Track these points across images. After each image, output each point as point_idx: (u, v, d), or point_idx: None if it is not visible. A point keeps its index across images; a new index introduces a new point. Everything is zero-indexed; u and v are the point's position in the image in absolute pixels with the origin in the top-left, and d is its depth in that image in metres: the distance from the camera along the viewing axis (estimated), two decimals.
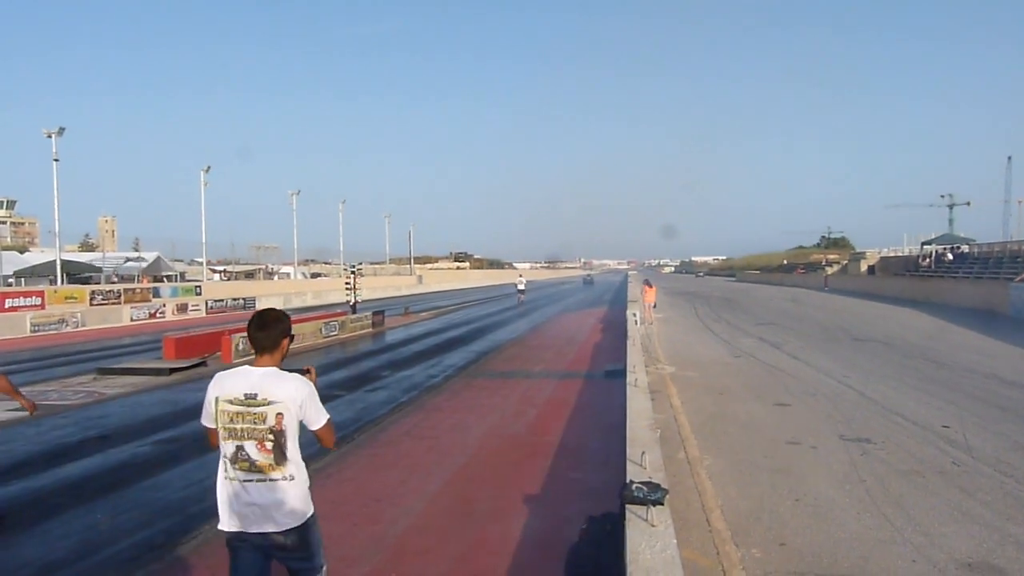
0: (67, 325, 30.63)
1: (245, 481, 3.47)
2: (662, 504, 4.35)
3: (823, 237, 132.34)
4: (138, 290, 41.18)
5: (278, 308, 4.15)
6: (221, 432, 3.52)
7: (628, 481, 4.66)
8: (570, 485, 7.55)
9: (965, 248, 54.93)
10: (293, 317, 21.34)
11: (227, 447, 3.51)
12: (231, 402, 3.51)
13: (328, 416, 3.65)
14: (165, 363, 17.01)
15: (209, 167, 51.02)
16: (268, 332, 3.74)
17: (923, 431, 10.20)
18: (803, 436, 10.02)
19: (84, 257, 58.16)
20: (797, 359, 18.12)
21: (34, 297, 32.43)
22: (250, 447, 3.46)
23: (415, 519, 6.58)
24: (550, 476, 7.86)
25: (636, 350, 13.74)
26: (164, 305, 38.63)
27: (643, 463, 5.23)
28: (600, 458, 8.49)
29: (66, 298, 34.17)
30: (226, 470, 3.52)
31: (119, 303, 36.56)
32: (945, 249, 55.99)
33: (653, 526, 4.09)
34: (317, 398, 3.64)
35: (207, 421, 3.60)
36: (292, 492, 3.51)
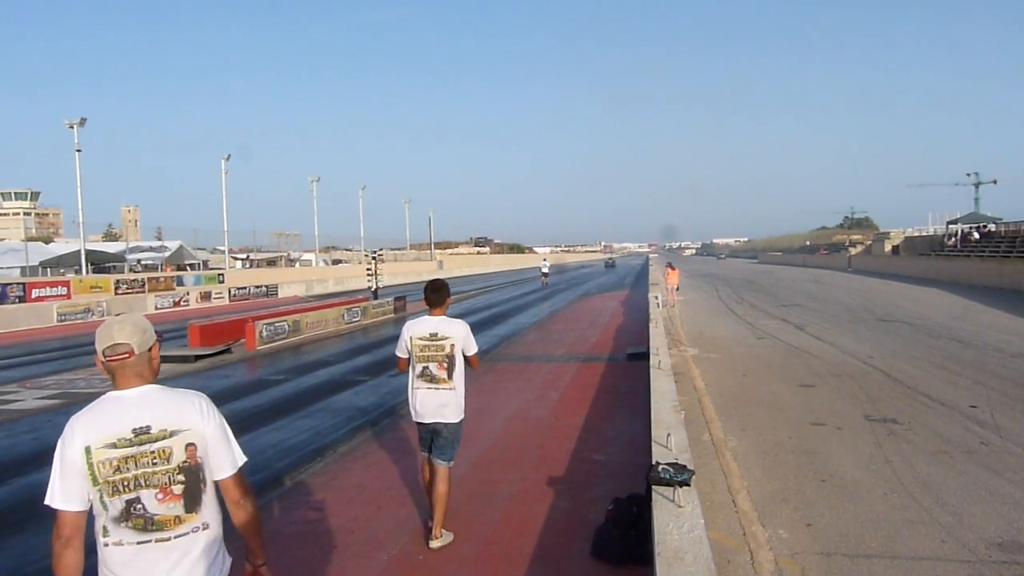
0: (93, 314, 30.98)
1: (428, 389, 5.53)
2: (689, 485, 4.34)
3: (846, 217, 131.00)
4: (162, 279, 41.52)
5: (441, 278, 5.96)
6: (414, 359, 5.54)
7: (655, 462, 4.65)
8: (594, 467, 7.56)
9: (992, 227, 54.17)
10: (314, 304, 21.60)
11: (418, 367, 5.54)
12: (421, 338, 5.54)
13: (476, 348, 5.69)
14: (191, 350, 17.20)
15: (230, 155, 51.25)
16: (439, 294, 5.67)
17: (950, 411, 10.11)
18: (828, 417, 9.97)
19: (108, 247, 58.72)
20: (821, 340, 18.00)
21: (60, 287, 32.79)
22: (433, 367, 5.50)
23: None
24: (574, 458, 7.87)
25: (659, 332, 13.69)
26: (188, 293, 38.97)
27: (668, 445, 5.22)
28: (624, 440, 8.49)
29: (91, 288, 34.54)
30: (414, 381, 5.57)
31: (144, 292, 36.91)
32: (971, 228, 55.28)
33: (680, 507, 4.08)
34: (472, 337, 5.64)
35: (401, 352, 5.68)
36: (456, 397, 5.54)
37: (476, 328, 21.58)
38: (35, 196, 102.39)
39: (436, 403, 5.48)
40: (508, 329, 22.23)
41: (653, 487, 4.41)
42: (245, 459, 2.71)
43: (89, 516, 2.51)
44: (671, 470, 4.44)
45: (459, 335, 5.55)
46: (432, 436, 5.57)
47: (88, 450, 2.45)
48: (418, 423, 5.62)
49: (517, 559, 5.30)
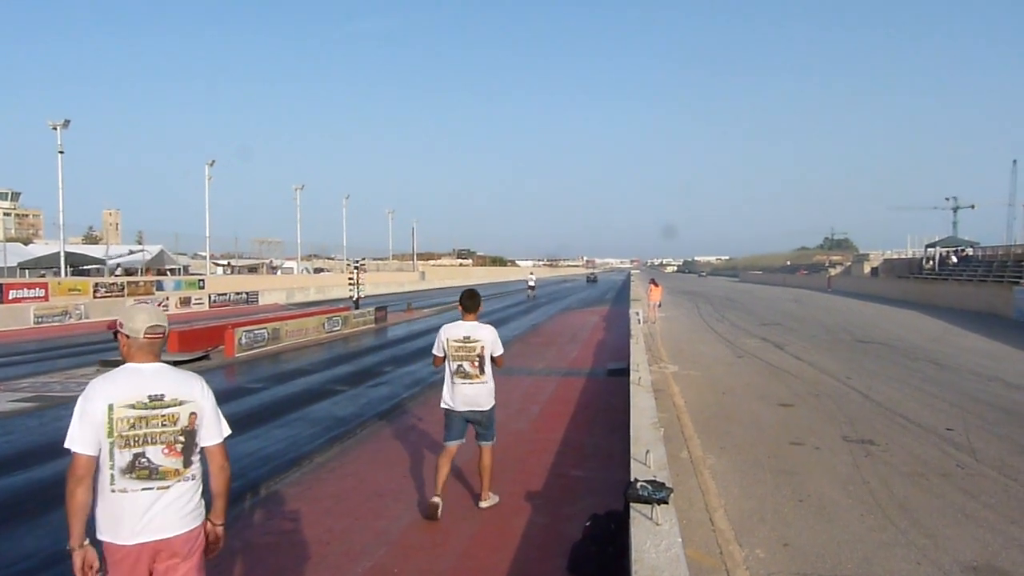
0: (70, 317, 30.67)
1: (463, 383, 6.44)
2: (667, 503, 4.32)
3: (826, 238, 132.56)
4: (141, 283, 41.19)
5: (475, 288, 7.04)
6: (449, 357, 6.46)
7: (633, 479, 4.64)
8: (573, 483, 7.53)
9: (969, 251, 54.86)
10: (295, 312, 21.57)
11: (454, 365, 6.46)
12: (456, 340, 6.47)
13: (502, 350, 6.63)
14: (169, 356, 17.02)
15: (213, 161, 51.02)
16: (474, 300, 6.71)
17: (927, 433, 10.18)
18: (806, 437, 10.01)
19: (88, 250, 58.19)
20: (800, 360, 18.10)
21: (38, 289, 32.43)
22: (466, 365, 6.42)
23: (418, 515, 6.56)
24: (553, 473, 7.84)
25: (639, 348, 13.71)
26: (167, 298, 38.62)
27: (647, 462, 5.21)
28: (603, 456, 8.48)
29: (70, 290, 34.19)
30: (451, 377, 6.49)
31: (122, 295, 36.56)
32: (949, 252, 55.92)
33: (658, 525, 4.07)
34: (499, 341, 6.60)
35: (438, 351, 6.56)
36: (487, 389, 6.52)
37: None
38: (15, 196, 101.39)
39: (471, 394, 6.47)
40: None
41: (631, 504, 4.39)
42: (230, 431, 3.39)
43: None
44: (649, 487, 4.43)
45: (488, 339, 6.53)
46: (465, 424, 6.57)
47: (111, 407, 3.03)
48: (449, 411, 6.54)
49: (493, 574, 5.27)
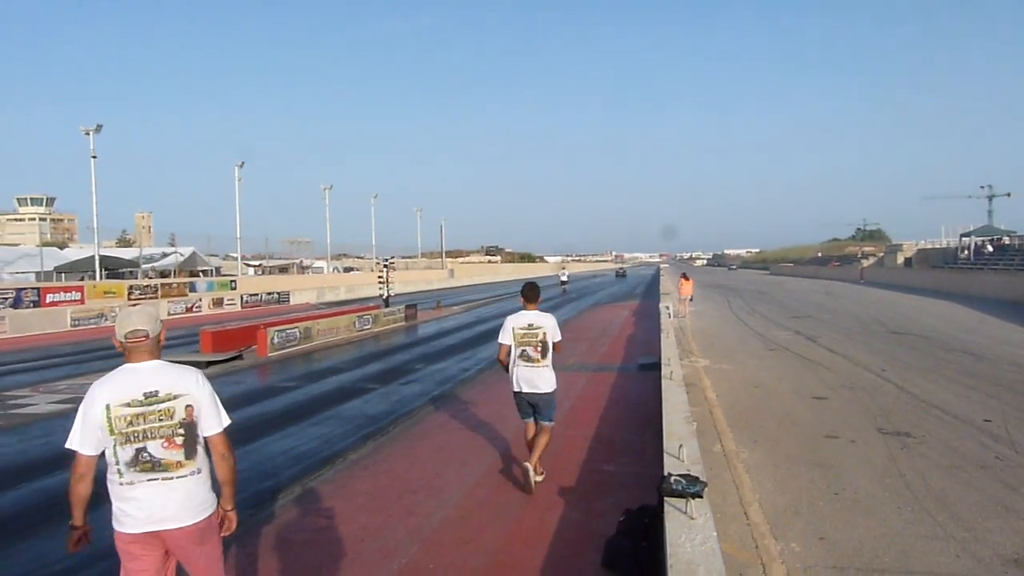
0: (106, 319, 31.14)
1: (526, 366, 7.01)
2: (701, 497, 4.31)
3: (858, 229, 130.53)
4: (175, 285, 41.73)
5: (534, 281, 7.54)
6: (515, 344, 7.03)
7: (667, 474, 4.62)
8: (605, 478, 7.52)
9: (1006, 240, 53.97)
10: (326, 311, 21.68)
11: (518, 350, 7.02)
12: (521, 328, 7.05)
13: (560, 337, 7.20)
14: (202, 356, 17.25)
15: (243, 163, 51.57)
16: (535, 291, 7.25)
17: (964, 425, 10.03)
18: (841, 430, 9.90)
19: (122, 252, 59.03)
20: (833, 352, 17.90)
21: (74, 292, 33.00)
22: (530, 350, 6.99)
23: (451, 511, 6.59)
24: (585, 469, 7.83)
25: (670, 343, 13.65)
26: (200, 299, 39.13)
27: (680, 456, 5.19)
28: (635, 451, 8.45)
29: (105, 293, 34.74)
30: (516, 361, 7.05)
31: (156, 297, 37.08)
32: (985, 241, 55.03)
33: (692, 519, 4.05)
34: (558, 328, 7.18)
35: (505, 339, 7.11)
36: (548, 373, 7.05)
37: (485, 338, 21.56)
38: (50, 202, 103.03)
39: (534, 377, 7.01)
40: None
41: (665, 498, 4.38)
42: (230, 421, 3.49)
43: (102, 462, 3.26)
44: (683, 481, 4.41)
45: (549, 326, 7.12)
46: (531, 404, 7.14)
47: (108, 407, 3.19)
48: (517, 392, 7.14)
49: (527, 570, 5.28)
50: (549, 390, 7.06)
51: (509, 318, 7.19)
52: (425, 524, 6.29)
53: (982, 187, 74.02)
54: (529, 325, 7.07)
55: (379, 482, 7.62)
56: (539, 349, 7.02)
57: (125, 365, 3.33)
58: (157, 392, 3.26)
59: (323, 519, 6.50)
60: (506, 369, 7.26)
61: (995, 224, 63.43)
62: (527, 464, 7.00)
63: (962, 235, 58.47)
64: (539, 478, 7.15)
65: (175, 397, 3.28)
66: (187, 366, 3.51)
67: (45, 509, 6.99)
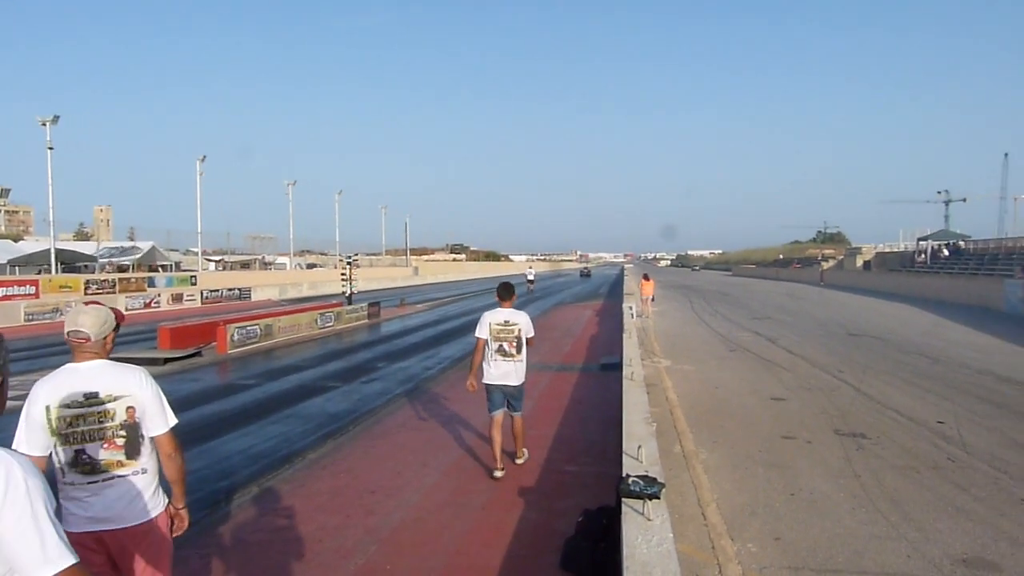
0: (62, 314, 30.46)
1: (502, 360, 7.56)
2: (659, 498, 4.33)
3: (819, 232, 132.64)
4: (133, 280, 41.03)
5: (509, 281, 7.96)
6: (491, 338, 7.54)
7: (625, 475, 4.64)
8: (566, 478, 7.54)
9: (961, 244, 55.00)
10: (288, 308, 21.37)
11: (495, 344, 7.55)
12: (498, 324, 7.53)
13: (533, 333, 7.83)
14: (160, 353, 16.98)
15: (205, 157, 50.84)
16: (511, 291, 7.77)
17: (918, 427, 10.22)
18: (798, 431, 10.03)
19: (79, 246, 57.90)
20: (792, 353, 18.14)
21: (28, 286, 32.27)
22: (506, 345, 7.53)
23: (410, 511, 6.57)
24: (546, 468, 7.85)
25: (632, 343, 13.72)
26: (159, 295, 38.49)
27: (639, 457, 5.21)
28: (595, 451, 8.49)
29: (61, 287, 34.04)
30: (492, 355, 7.56)
31: (114, 292, 36.41)
32: (941, 245, 56.08)
33: (649, 520, 4.07)
34: (531, 325, 7.78)
35: (482, 334, 7.56)
36: (522, 367, 7.65)
37: (449, 336, 21.51)
38: (5, 193, 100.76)
39: (509, 370, 7.57)
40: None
41: (623, 500, 4.40)
42: (176, 421, 3.42)
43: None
44: (641, 483, 4.43)
45: (524, 323, 7.69)
46: (503, 395, 7.65)
47: (48, 408, 3.13)
48: (489, 385, 7.62)
49: (486, 570, 5.27)
50: (521, 383, 7.67)
51: (486, 314, 7.66)
52: (384, 524, 6.26)
53: (939, 192, 75.73)
54: (505, 322, 7.61)
55: (338, 481, 7.56)
56: (515, 344, 7.59)
57: (67, 365, 3.28)
58: (98, 393, 3.21)
59: (281, 519, 6.44)
60: (474, 364, 7.69)
61: (951, 228, 64.72)
62: (498, 472, 7.52)
63: (919, 239, 59.54)
64: (523, 459, 8.05)
65: (116, 398, 3.23)
66: (131, 365, 3.45)
67: None
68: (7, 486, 1.78)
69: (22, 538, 1.78)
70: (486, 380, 7.63)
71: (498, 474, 7.47)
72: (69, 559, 1.83)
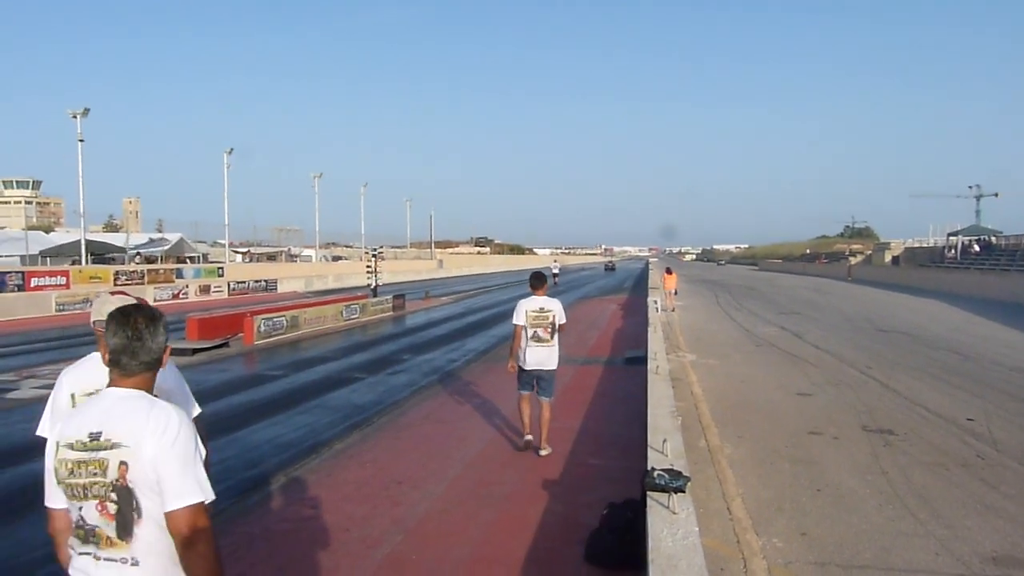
0: (91, 305, 30.94)
1: (537, 346, 8.01)
2: (684, 492, 4.33)
3: (847, 227, 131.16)
4: (162, 271, 41.53)
5: (541, 270, 8.27)
6: (528, 325, 7.98)
7: (650, 468, 4.64)
8: (590, 471, 7.55)
9: (992, 239, 54.24)
10: (314, 300, 21.59)
11: (531, 331, 7.94)
12: (533, 311, 8.03)
13: (566, 319, 8.16)
14: (188, 343, 17.18)
15: (232, 149, 51.30)
16: (543, 280, 8.40)
17: (947, 423, 10.10)
18: (825, 426, 9.96)
19: (108, 238, 58.64)
20: (819, 349, 17.99)
21: (59, 277, 32.78)
22: (541, 331, 7.94)
23: (436, 502, 6.60)
24: (570, 461, 7.86)
25: (657, 337, 13.69)
26: (187, 286, 38.96)
27: (664, 450, 5.21)
28: (620, 445, 8.48)
29: (91, 278, 34.53)
30: (528, 342, 8.04)
31: (143, 283, 36.90)
32: (972, 240, 55.33)
33: (675, 514, 4.07)
34: (564, 312, 8.16)
35: (519, 320, 8.08)
36: (556, 351, 8.17)
37: (473, 328, 21.64)
38: (37, 185, 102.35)
39: (544, 355, 8.03)
40: (506, 330, 22.17)
41: (648, 493, 4.40)
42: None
43: None
44: (666, 476, 4.43)
45: (558, 310, 8.15)
46: (535, 380, 8.07)
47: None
48: (523, 369, 8.12)
49: (510, 561, 5.30)
50: (554, 367, 8.13)
51: (521, 302, 8.21)
52: (410, 515, 6.30)
53: (970, 187, 74.47)
54: (540, 309, 8.11)
55: (365, 472, 7.62)
56: (549, 330, 8.06)
57: (94, 354, 3.00)
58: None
59: (308, 508, 6.50)
60: (513, 349, 8.26)
61: (982, 224, 63.81)
62: (528, 436, 8.20)
63: (949, 234, 58.78)
64: (546, 451, 8.05)
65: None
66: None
67: (28, 494, 6.95)
68: (178, 435, 2.21)
69: (179, 475, 2.18)
70: (522, 365, 8.10)
71: (543, 452, 8.00)
72: (205, 496, 2.22)
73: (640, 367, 12.17)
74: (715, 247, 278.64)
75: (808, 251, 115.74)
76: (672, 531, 3.85)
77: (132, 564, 2.22)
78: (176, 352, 16.01)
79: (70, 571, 2.33)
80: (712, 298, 39.07)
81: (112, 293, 3.08)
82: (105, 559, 2.24)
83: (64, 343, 19.62)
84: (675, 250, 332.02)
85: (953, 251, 55.71)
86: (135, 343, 2.34)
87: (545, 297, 8.22)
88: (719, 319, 26.87)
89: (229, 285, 42.35)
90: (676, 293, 31.48)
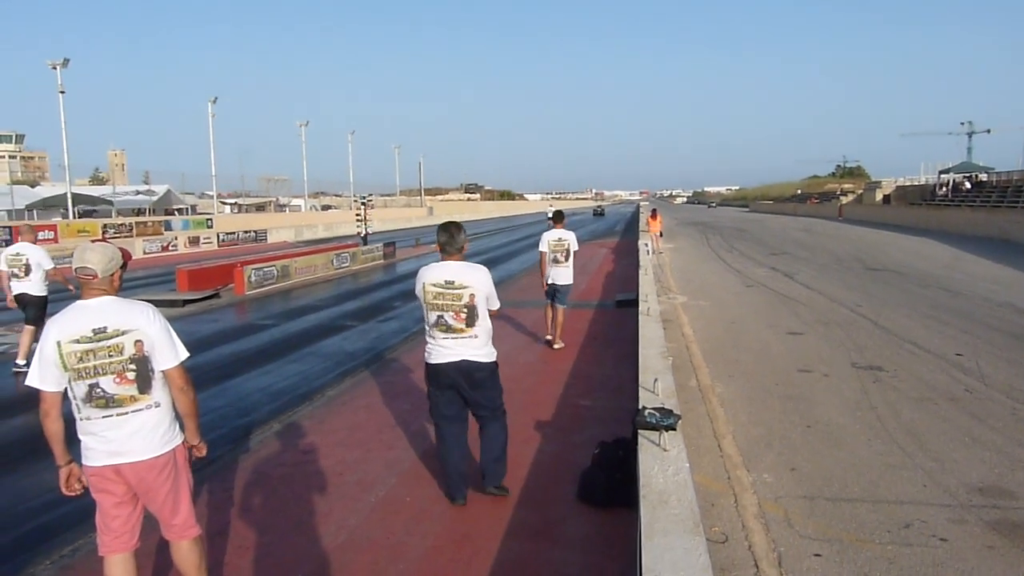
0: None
1: (557, 267, 10.39)
2: (675, 429, 4.35)
3: (838, 166, 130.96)
4: (150, 223, 41.22)
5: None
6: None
7: (641, 407, 4.66)
8: (582, 412, 7.59)
9: (984, 177, 54.18)
10: (304, 249, 21.44)
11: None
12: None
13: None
14: (179, 295, 17.12)
15: (216, 98, 50.52)
16: (561, 215, 10.84)
17: (936, 359, 10.19)
18: (815, 364, 10.03)
19: (95, 191, 58.12)
20: (810, 288, 18.05)
21: (47, 231, 32.51)
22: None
23: (429, 445, 6.63)
24: (562, 403, 7.90)
25: (648, 280, 13.69)
26: (176, 238, 38.69)
27: (655, 390, 5.23)
28: (612, 386, 8.52)
29: (78, 232, 34.28)
30: (550, 264, 10.38)
31: (131, 236, 36.63)
32: (963, 178, 55.27)
33: (665, 451, 4.10)
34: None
35: (543, 248, 10.39)
36: (570, 270, 10.50)
37: None
38: (20, 139, 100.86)
39: (561, 273, 10.45)
40: (498, 275, 22.10)
41: (639, 431, 4.42)
42: (187, 355, 3.49)
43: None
44: (657, 414, 4.45)
45: (572, 239, 10.35)
46: (555, 292, 10.61)
47: (59, 344, 3.21)
48: (549, 284, 10.52)
49: (503, 502, 5.35)
50: (569, 282, 10.58)
51: (545, 234, 10.52)
52: (403, 457, 6.35)
53: (962, 124, 74.27)
54: (559, 239, 10.39)
55: (358, 417, 7.65)
56: (564, 255, 10.42)
57: (77, 302, 3.35)
58: (106, 328, 3.25)
59: (302, 454, 6.53)
60: (542, 271, 10.58)
61: (974, 161, 63.70)
62: (549, 336, 10.79)
63: (940, 172, 58.65)
64: (559, 345, 10.60)
65: (123, 332, 3.27)
66: (139, 301, 3.47)
67: (25, 444, 6.97)
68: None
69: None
70: (547, 281, 10.49)
71: (549, 338, 10.76)
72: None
73: (631, 310, 12.19)
74: (706, 189, 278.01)
75: (799, 191, 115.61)
76: (663, 468, 3.87)
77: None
78: (167, 303, 15.97)
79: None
80: (702, 240, 39.06)
81: (92, 241, 3.59)
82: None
83: (52, 297, 19.50)
84: (666, 193, 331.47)
85: (944, 189, 55.67)
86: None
87: (563, 229, 10.51)
88: (710, 261, 26.89)
89: (218, 236, 42.07)
90: (662, 235, 31.42)
